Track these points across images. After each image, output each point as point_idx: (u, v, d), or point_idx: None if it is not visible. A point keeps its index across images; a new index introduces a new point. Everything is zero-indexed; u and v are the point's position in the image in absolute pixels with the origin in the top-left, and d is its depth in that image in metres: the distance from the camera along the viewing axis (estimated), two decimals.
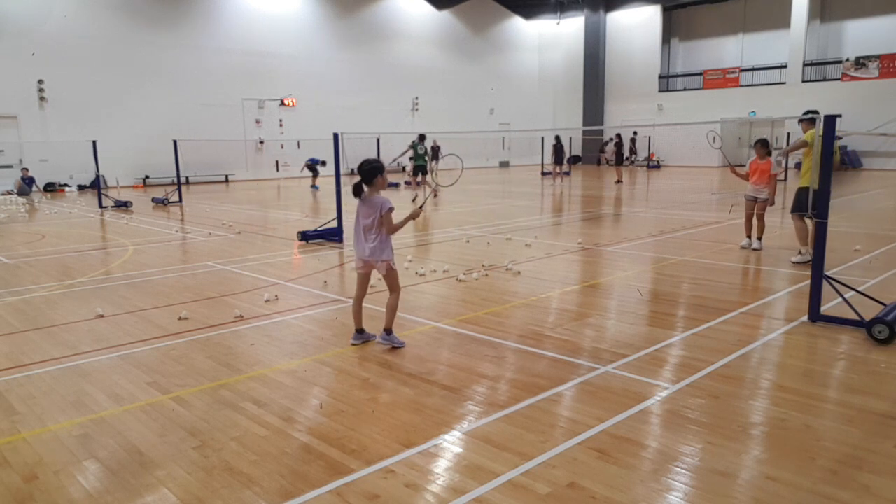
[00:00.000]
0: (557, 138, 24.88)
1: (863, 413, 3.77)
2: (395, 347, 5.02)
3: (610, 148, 25.46)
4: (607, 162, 27.44)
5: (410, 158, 18.64)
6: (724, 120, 30.47)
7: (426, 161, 18.56)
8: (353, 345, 5.07)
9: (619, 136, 25.71)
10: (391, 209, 4.88)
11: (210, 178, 25.86)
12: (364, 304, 5.18)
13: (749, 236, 9.30)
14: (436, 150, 28.20)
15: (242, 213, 15.28)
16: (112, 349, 5.13)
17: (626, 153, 31.34)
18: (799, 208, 8.05)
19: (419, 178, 18.42)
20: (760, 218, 9.14)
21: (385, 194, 5.03)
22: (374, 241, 4.91)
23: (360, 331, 5.13)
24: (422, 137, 18.17)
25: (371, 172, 4.88)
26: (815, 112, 7.81)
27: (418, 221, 13.46)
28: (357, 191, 4.93)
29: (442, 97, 33.43)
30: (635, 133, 31.58)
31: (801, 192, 7.97)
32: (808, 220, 7.65)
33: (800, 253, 8.24)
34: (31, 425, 3.77)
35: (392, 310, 5.05)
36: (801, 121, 8.25)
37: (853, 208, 14.11)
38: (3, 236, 11.77)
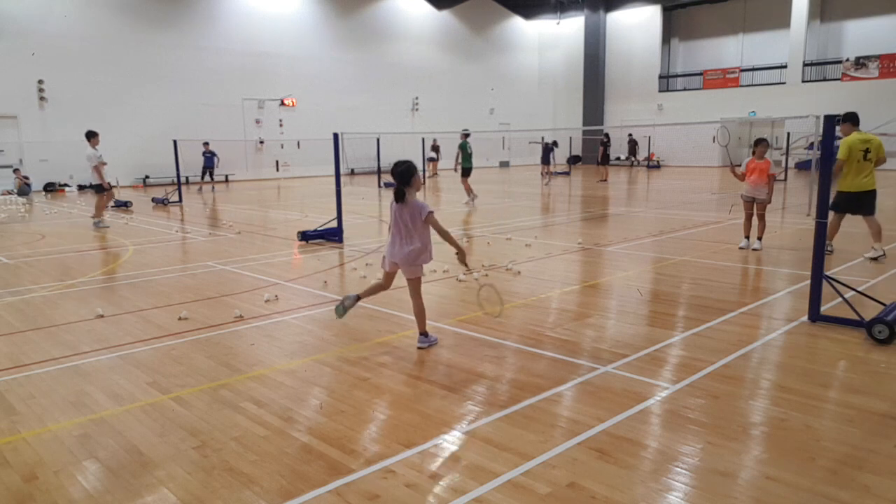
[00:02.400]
0: (544, 139, 24.98)
1: (863, 413, 3.77)
2: (431, 346, 5.06)
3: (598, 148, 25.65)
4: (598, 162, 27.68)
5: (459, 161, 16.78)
6: (724, 120, 30.42)
7: (471, 163, 16.76)
8: (337, 307, 5.06)
9: (607, 135, 25.87)
10: (431, 212, 4.83)
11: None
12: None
13: (748, 237, 9.29)
14: (436, 150, 28.33)
15: (242, 213, 15.28)
16: (112, 349, 5.13)
17: (628, 154, 31.22)
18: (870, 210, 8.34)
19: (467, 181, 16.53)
20: (762, 218, 9.12)
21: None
22: (414, 246, 4.83)
23: (357, 296, 5.08)
24: (467, 135, 16.55)
25: (407, 173, 4.81)
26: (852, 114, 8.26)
27: None
28: (400, 195, 4.81)
29: (442, 97, 33.42)
30: (630, 135, 31.51)
31: (872, 195, 8.30)
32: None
33: (873, 248, 8.35)
34: (31, 425, 3.77)
35: (420, 315, 5.04)
36: (843, 122, 8.31)
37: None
38: (3, 236, 11.77)
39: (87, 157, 12.84)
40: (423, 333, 5.07)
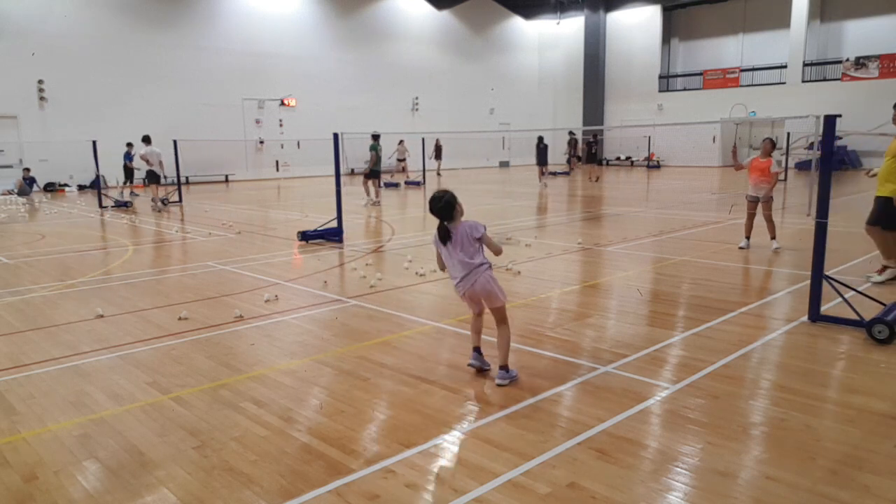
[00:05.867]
0: (540, 139, 24.66)
1: (863, 413, 3.77)
2: (513, 381, 4.34)
3: (582, 147, 25.78)
4: (578, 159, 27.69)
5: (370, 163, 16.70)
6: (724, 120, 30.46)
7: (380, 167, 16.89)
8: (469, 365, 4.53)
9: (595, 136, 25.94)
10: (485, 228, 4.35)
11: (210, 178, 25.86)
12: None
13: (748, 237, 9.28)
14: (439, 150, 28.31)
15: (242, 213, 15.28)
16: (112, 349, 5.13)
17: (579, 153, 29.92)
18: (878, 220, 7.04)
19: (370, 183, 16.72)
20: (769, 219, 9.05)
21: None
22: (478, 270, 4.30)
23: (477, 349, 4.55)
24: (377, 137, 16.27)
25: (449, 206, 4.28)
26: None
27: (418, 221, 13.46)
28: (444, 235, 4.32)
29: (442, 97, 33.43)
30: (572, 133, 30.53)
31: (887, 203, 6.93)
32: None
33: (886, 269, 7.10)
34: (31, 425, 3.77)
35: (502, 345, 4.37)
36: None
37: (853, 208, 14.09)
38: (3, 236, 11.76)
39: (156, 154, 16.12)
40: (504, 367, 4.35)
